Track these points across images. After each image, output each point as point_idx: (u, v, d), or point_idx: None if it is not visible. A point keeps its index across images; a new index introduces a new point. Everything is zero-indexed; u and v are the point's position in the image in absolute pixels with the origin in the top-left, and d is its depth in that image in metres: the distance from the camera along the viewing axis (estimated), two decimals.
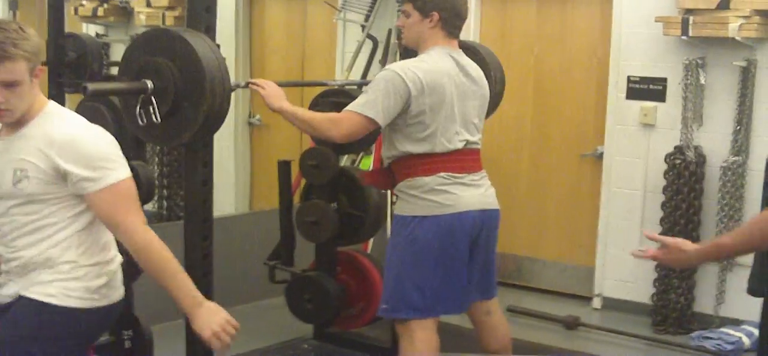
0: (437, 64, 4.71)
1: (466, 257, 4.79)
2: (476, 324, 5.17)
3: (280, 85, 4.95)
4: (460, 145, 4.76)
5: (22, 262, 3.58)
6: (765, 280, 3.94)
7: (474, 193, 4.80)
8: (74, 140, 3.47)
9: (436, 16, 4.74)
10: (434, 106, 4.64)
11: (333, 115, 4.88)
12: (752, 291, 4.03)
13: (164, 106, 4.07)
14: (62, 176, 3.45)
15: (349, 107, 4.71)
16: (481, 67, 5.15)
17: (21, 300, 3.58)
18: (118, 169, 3.52)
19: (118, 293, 3.81)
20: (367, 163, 7.74)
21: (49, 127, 3.50)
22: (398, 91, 4.59)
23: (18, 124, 3.53)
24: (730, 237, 3.89)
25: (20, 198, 3.50)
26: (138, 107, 4.11)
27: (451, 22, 4.79)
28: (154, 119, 4.07)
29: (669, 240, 3.83)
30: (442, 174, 4.70)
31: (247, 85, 4.98)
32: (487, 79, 5.12)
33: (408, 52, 5.21)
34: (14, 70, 3.36)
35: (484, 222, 4.85)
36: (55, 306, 3.56)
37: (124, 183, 3.53)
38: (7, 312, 3.61)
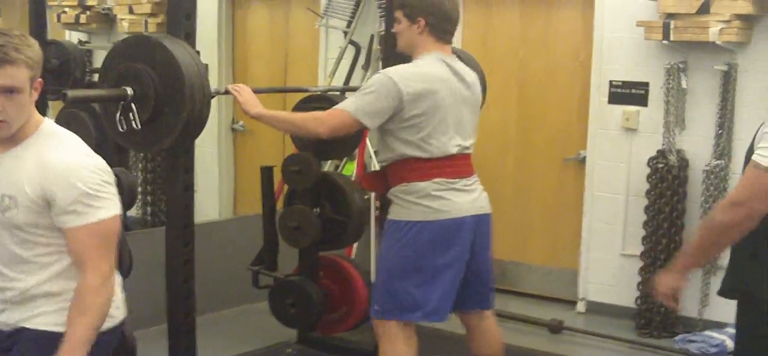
0: (431, 70, 4.70)
1: (461, 264, 4.80)
2: (468, 329, 5.18)
3: (262, 91, 4.97)
4: (454, 150, 4.76)
5: (18, 292, 3.32)
6: (736, 282, 3.91)
7: (468, 199, 4.81)
8: (70, 169, 3.17)
9: (422, 21, 4.74)
10: (428, 111, 4.64)
11: (317, 113, 4.88)
12: (721, 291, 4.04)
13: (144, 113, 4.08)
14: (48, 204, 3.18)
15: (338, 105, 4.74)
16: None
17: (25, 333, 3.35)
18: (108, 206, 3.25)
19: (121, 311, 3.62)
20: (351, 169, 7.74)
21: (45, 149, 3.22)
22: (390, 95, 4.59)
23: (11, 141, 3.25)
24: (688, 254, 3.98)
25: (9, 227, 3.24)
26: (118, 114, 4.11)
27: (440, 27, 4.78)
28: (134, 125, 4.07)
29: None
30: (437, 179, 4.70)
31: (226, 92, 4.97)
32: None
33: (390, 60, 5.22)
34: (15, 75, 3.13)
35: (477, 228, 4.85)
36: (63, 334, 3.27)
37: (109, 223, 3.26)
38: (7, 341, 3.38)
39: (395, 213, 4.81)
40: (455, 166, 4.79)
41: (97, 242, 3.22)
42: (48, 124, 3.32)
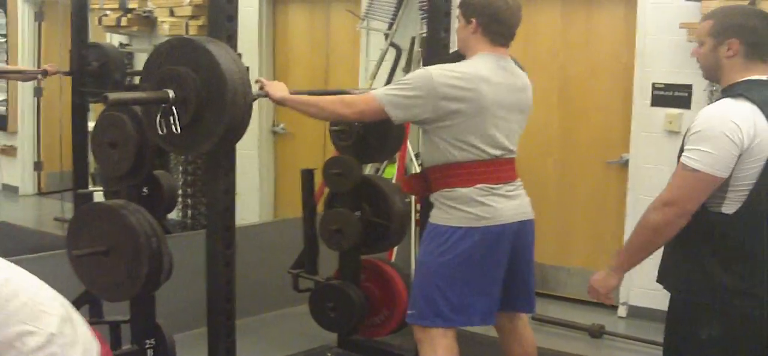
0: (476, 70, 4.60)
1: (501, 271, 4.73)
2: (500, 331, 5.13)
3: (303, 93, 4.95)
4: (497, 154, 4.67)
5: None
6: (668, 272, 4.15)
7: (511, 205, 4.72)
8: None
9: (474, 22, 4.69)
10: (468, 111, 4.54)
11: (347, 96, 4.85)
12: (660, 281, 4.25)
13: (185, 117, 4.06)
14: None
15: (372, 92, 4.73)
16: None
17: None
18: (38, 332, 2.28)
19: None
20: (391, 172, 7.74)
21: None
22: (424, 91, 4.51)
23: None
24: (625, 254, 4.19)
25: None
26: (158, 116, 4.10)
27: (492, 29, 4.70)
28: (174, 129, 4.06)
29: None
30: (480, 185, 4.61)
31: (260, 88, 4.94)
32: None
33: (430, 62, 5.19)
34: None
35: (519, 233, 4.78)
36: None
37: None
38: None
39: (436, 218, 4.73)
40: (499, 170, 4.71)
41: None
42: None
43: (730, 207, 3.83)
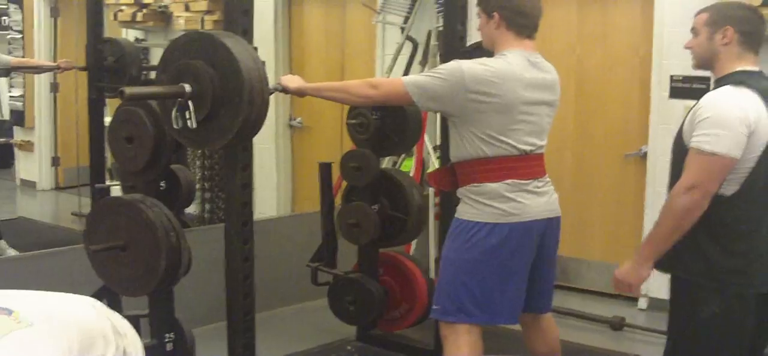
0: (507, 66, 4.54)
1: (527, 268, 4.69)
2: (524, 326, 5.08)
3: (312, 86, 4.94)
4: (527, 150, 4.60)
5: None
6: (666, 254, 4.23)
7: (539, 202, 4.66)
8: None
9: (496, 16, 4.66)
10: (498, 108, 4.48)
11: (373, 79, 4.85)
12: (656, 265, 4.34)
13: (201, 111, 4.04)
14: None
15: (401, 77, 4.70)
16: None
17: None
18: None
19: None
20: (409, 165, 7.72)
21: None
22: (453, 83, 4.46)
23: None
24: (652, 242, 4.28)
25: None
26: (174, 110, 4.09)
27: (516, 21, 4.66)
28: (190, 124, 4.05)
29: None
30: (508, 181, 4.56)
31: (277, 87, 4.92)
32: None
33: (448, 56, 5.18)
34: None
35: (546, 231, 4.75)
36: None
37: None
38: None
39: (464, 213, 4.66)
40: (527, 166, 4.64)
41: None
42: None
43: (728, 189, 4.04)
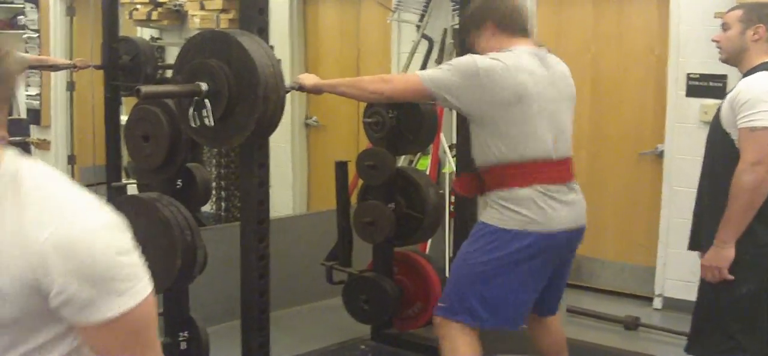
0: (516, 58, 4.47)
1: (545, 277, 4.65)
2: (530, 324, 5.06)
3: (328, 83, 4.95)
4: (552, 153, 4.55)
5: None
6: (703, 234, 4.64)
7: (566, 211, 4.58)
8: (71, 238, 1.92)
9: (488, 24, 4.64)
10: (514, 99, 4.41)
11: (386, 75, 4.85)
12: (690, 245, 4.85)
13: (218, 110, 4.05)
14: (42, 294, 1.95)
15: (416, 72, 4.69)
16: None
17: None
18: (136, 287, 2.02)
19: None
20: (425, 163, 7.72)
21: (17, 212, 1.95)
22: (467, 72, 4.42)
23: None
24: (730, 224, 4.47)
25: None
26: (191, 109, 4.10)
27: (507, 24, 4.63)
28: (207, 122, 4.05)
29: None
30: (536, 186, 4.48)
31: (293, 86, 4.92)
32: None
33: (463, 54, 5.17)
34: None
35: (570, 241, 4.71)
36: None
37: (143, 308, 2.03)
38: None
39: (489, 218, 4.57)
40: (555, 170, 4.57)
41: (127, 340, 2.07)
42: (11, 161, 2.01)
43: None
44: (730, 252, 4.46)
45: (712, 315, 4.67)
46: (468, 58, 4.50)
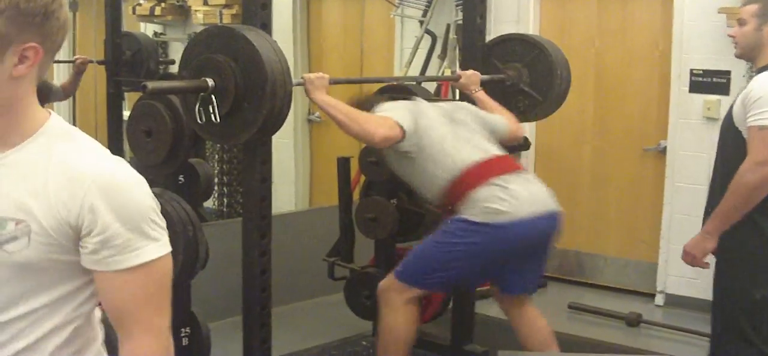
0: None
1: (506, 261, 4.90)
2: (510, 316, 5.25)
3: (338, 81, 4.93)
4: (489, 154, 4.92)
5: None
6: (727, 233, 4.47)
7: (531, 193, 4.83)
8: (116, 185, 2.10)
9: None
10: (436, 119, 4.88)
11: (378, 116, 4.81)
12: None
13: (224, 106, 4.04)
14: (74, 235, 2.09)
15: (385, 113, 4.81)
16: (546, 66, 5.23)
17: None
18: (162, 238, 2.20)
19: None
20: None
21: (67, 155, 2.11)
22: (407, 106, 4.87)
23: None
24: (719, 217, 4.47)
25: (7, 266, 2.11)
26: (197, 105, 4.09)
27: None
28: (213, 119, 4.04)
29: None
30: (490, 180, 4.76)
31: (300, 84, 4.90)
32: (553, 77, 5.28)
33: (467, 49, 5.18)
34: None
35: (543, 224, 4.88)
36: None
37: (165, 263, 2.21)
38: None
39: (460, 211, 4.81)
40: (501, 165, 4.90)
41: (151, 291, 2.21)
42: (57, 120, 2.20)
43: None
44: (711, 244, 4.50)
45: (730, 322, 4.59)
46: (397, 103, 4.90)
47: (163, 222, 2.22)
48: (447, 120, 4.95)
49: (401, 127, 4.69)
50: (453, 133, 4.90)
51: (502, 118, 5.27)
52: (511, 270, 4.99)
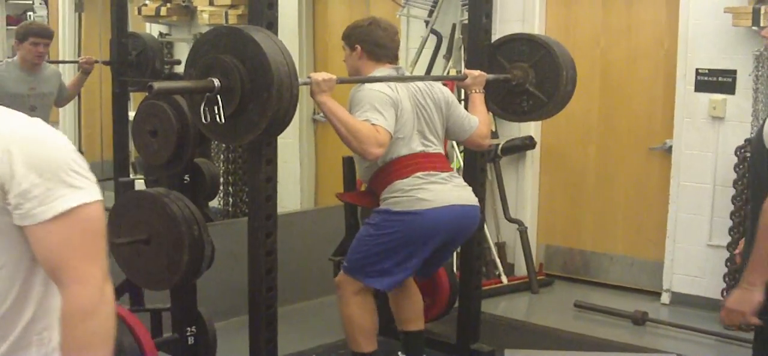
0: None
1: (428, 251, 5.11)
2: (391, 295, 5.60)
3: (344, 81, 4.91)
4: (427, 148, 5.14)
5: None
6: None
7: (452, 191, 5.11)
8: (30, 134, 2.20)
9: (358, 48, 5.23)
10: (401, 112, 5.00)
11: (373, 130, 4.78)
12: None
13: (230, 107, 4.04)
14: (2, 195, 2.18)
15: (375, 119, 4.81)
16: (552, 66, 5.26)
17: None
18: (85, 187, 2.23)
19: None
20: None
21: None
22: (390, 103, 4.92)
23: None
24: (761, 265, 3.81)
25: None
26: (203, 105, 4.08)
27: (374, 51, 5.20)
28: (219, 119, 4.04)
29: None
30: (416, 174, 5.03)
31: (306, 83, 4.89)
32: (559, 78, 5.33)
33: (473, 49, 5.18)
34: None
35: (463, 218, 5.19)
36: None
37: (90, 211, 2.23)
38: None
39: (384, 203, 5.08)
40: (432, 161, 5.12)
41: (77, 240, 2.23)
42: None
43: None
44: (757, 296, 3.77)
45: None
46: (377, 93, 4.94)
47: (88, 174, 2.27)
48: (415, 110, 5.11)
49: (388, 133, 4.81)
50: (412, 125, 5.07)
51: (474, 121, 5.37)
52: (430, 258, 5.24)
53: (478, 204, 5.28)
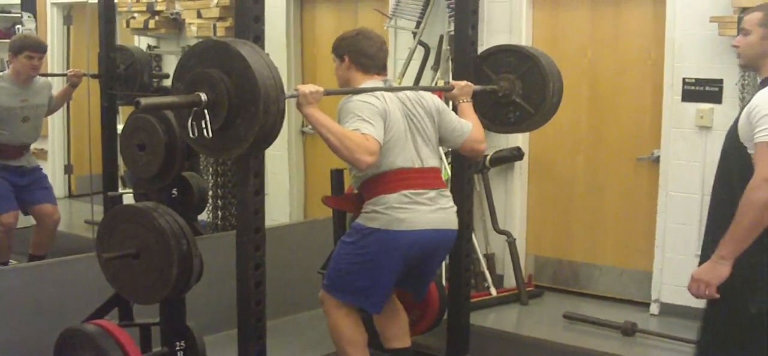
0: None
1: (403, 271, 5.13)
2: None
3: (332, 92, 4.91)
4: (422, 163, 5.10)
5: None
6: (711, 251, 4.28)
7: (431, 210, 5.07)
8: None
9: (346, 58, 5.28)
10: (391, 122, 4.96)
11: (363, 141, 4.75)
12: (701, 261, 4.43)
13: (217, 121, 4.03)
14: None
15: (365, 128, 4.77)
16: (539, 78, 5.28)
17: None
18: None
19: None
20: None
21: None
22: (378, 113, 4.89)
23: None
24: (733, 241, 4.17)
25: None
26: (190, 119, 4.08)
27: (361, 62, 5.23)
28: (206, 133, 4.03)
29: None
30: (403, 191, 4.99)
31: (294, 96, 4.88)
32: (545, 89, 5.37)
33: (460, 60, 5.18)
34: None
35: (439, 241, 5.18)
36: None
37: None
38: None
39: (361, 219, 5.09)
40: (422, 177, 5.09)
41: None
42: None
43: None
44: (725, 270, 4.15)
45: (720, 335, 4.47)
46: (364, 104, 4.90)
47: None
48: (405, 119, 5.09)
49: (378, 142, 4.77)
50: (404, 134, 5.06)
51: (467, 126, 5.33)
52: (412, 278, 5.32)
53: (457, 227, 5.28)
